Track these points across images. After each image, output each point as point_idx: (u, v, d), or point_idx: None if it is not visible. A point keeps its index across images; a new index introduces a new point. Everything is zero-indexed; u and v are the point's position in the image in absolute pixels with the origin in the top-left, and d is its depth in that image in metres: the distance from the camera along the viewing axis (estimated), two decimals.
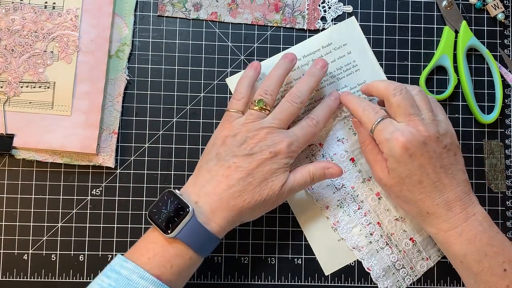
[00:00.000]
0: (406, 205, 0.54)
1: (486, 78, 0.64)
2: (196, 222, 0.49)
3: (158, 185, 0.61)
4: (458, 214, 0.52)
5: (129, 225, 0.61)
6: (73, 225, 0.60)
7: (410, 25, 0.64)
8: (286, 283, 0.61)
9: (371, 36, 0.64)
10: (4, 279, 0.59)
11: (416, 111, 0.52)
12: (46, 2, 0.60)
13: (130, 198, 0.61)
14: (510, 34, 0.65)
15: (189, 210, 0.49)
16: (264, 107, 0.55)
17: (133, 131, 0.62)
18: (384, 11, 0.64)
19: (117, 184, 0.61)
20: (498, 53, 0.64)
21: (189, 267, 0.50)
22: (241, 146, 0.53)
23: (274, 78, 0.56)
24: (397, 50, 0.64)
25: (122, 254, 0.50)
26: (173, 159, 0.61)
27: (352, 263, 0.62)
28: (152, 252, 0.49)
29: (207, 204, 0.51)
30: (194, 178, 0.54)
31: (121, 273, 0.47)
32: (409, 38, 0.64)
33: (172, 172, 0.61)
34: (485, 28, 0.64)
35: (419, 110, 0.53)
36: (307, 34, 0.63)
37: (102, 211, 0.61)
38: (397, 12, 0.64)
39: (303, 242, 0.62)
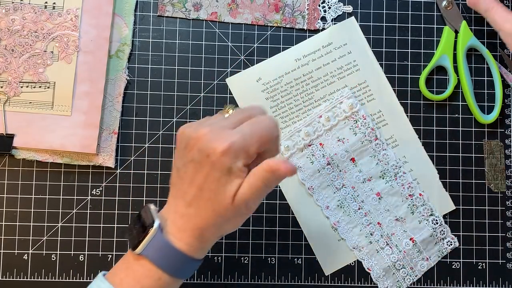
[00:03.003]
0: None
1: (486, 78, 0.64)
2: (161, 239, 0.45)
3: (158, 185, 0.61)
4: None
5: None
6: (73, 225, 0.60)
7: (410, 25, 0.64)
8: (286, 283, 0.61)
9: (371, 36, 0.64)
10: (4, 279, 0.59)
11: None
12: (46, 2, 0.60)
13: (130, 198, 0.61)
14: None
15: (154, 225, 0.45)
16: (228, 110, 0.47)
17: (133, 131, 0.62)
18: (384, 11, 0.64)
19: (117, 184, 0.61)
20: (498, 53, 0.64)
21: None
22: (185, 150, 0.45)
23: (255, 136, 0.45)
24: (397, 50, 0.64)
25: (104, 274, 0.48)
26: (173, 159, 0.61)
27: (352, 263, 0.62)
28: (124, 272, 0.46)
29: (173, 222, 0.46)
30: (171, 187, 0.48)
31: None
32: (409, 38, 0.64)
33: None
34: (485, 28, 0.64)
35: None
36: (307, 34, 0.63)
37: (102, 211, 0.61)
38: (397, 12, 0.64)
39: (303, 242, 0.62)
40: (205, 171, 0.44)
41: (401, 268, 0.61)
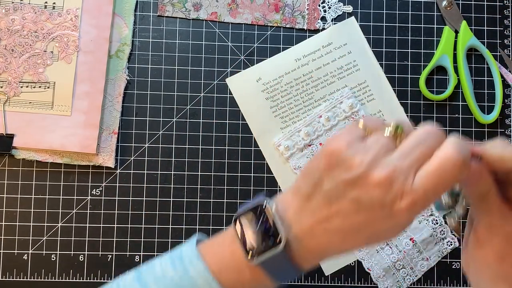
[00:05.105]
0: None
1: (486, 78, 0.64)
2: (284, 258, 0.39)
3: (158, 185, 0.61)
4: None
5: (129, 225, 0.61)
6: (73, 225, 0.60)
7: (410, 25, 0.64)
8: (286, 282, 0.61)
9: (371, 36, 0.64)
10: (4, 279, 0.59)
11: None
12: (46, 2, 0.60)
13: (130, 198, 0.61)
14: (510, 34, 0.65)
15: (280, 244, 0.38)
16: (396, 133, 0.37)
17: (133, 131, 0.62)
18: (384, 11, 0.64)
19: (117, 184, 0.61)
20: (498, 53, 0.64)
21: None
22: (335, 169, 0.37)
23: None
24: (397, 50, 0.64)
25: (197, 242, 0.41)
26: (173, 159, 0.61)
27: (352, 263, 0.62)
28: (225, 265, 0.40)
29: (299, 240, 0.39)
30: (305, 199, 0.39)
31: (188, 271, 0.40)
32: (409, 38, 0.64)
33: (172, 172, 0.61)
34: (485, 28, 0.64)
35: None
36: (307, 34, 0.63)
37: (102, 211, 0.61)
38: (397, 12, 0.64)
39: None
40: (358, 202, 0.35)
41: (401, 268, 0.61)
